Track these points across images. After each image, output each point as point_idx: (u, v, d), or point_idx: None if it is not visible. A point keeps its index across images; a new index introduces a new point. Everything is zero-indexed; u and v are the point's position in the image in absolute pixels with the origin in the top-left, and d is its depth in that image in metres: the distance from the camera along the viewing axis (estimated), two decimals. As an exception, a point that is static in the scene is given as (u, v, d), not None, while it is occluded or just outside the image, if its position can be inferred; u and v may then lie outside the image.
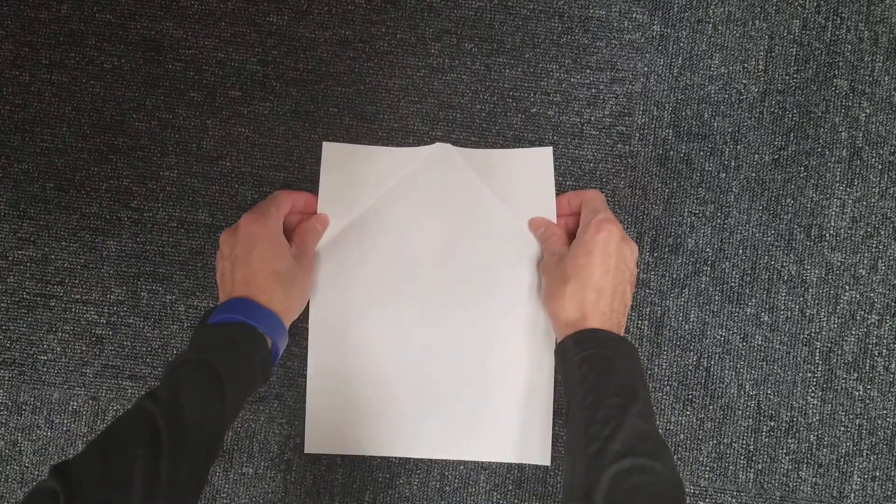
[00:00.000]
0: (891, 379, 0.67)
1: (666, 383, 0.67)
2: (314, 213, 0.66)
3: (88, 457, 0.46)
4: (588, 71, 0.68)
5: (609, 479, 0.49)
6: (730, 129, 0.68)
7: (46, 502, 0.43)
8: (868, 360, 0.67)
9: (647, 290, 0.67)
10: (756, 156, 0.68)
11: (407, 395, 0.66)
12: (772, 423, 0.67)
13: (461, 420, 0.66)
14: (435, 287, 0.66)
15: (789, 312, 0.67)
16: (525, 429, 0.66)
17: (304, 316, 0.67)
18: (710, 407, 0.67)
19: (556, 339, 0.60)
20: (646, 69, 0.68)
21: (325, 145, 0.67)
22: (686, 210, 0.68)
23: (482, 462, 0.66)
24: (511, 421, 0.66)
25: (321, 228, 0.66)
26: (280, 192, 0.64)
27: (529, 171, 0.67)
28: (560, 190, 0.67)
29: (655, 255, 0.67)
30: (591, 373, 0.55)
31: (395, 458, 0.67)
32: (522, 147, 0.68)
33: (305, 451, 0.66)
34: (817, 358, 0.67)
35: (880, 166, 0.68)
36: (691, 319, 0.67)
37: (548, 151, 0.67)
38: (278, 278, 0.58)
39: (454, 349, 0.66)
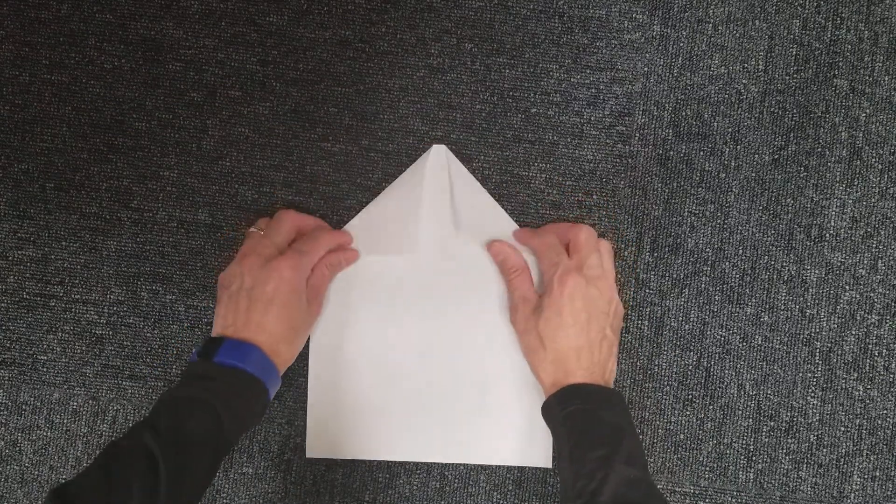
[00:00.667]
0: (891, 379, 0.67)
1: (666, 383, 0.67)
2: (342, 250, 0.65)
3: (89, 485, 0.46)
4: (588, 71, 0.68)
5: None
6: (730, 129, 0.68)
7: None
8: (868, 360, 0.67)
9: (647, 290, 0.67)
10: (756, 156, 0.68)
11: (407, 399, 0.66)
12: (772, 423, 0.67)
13: (461, 423, 0.66)
14: (434, 290, 0.66)
15: (789, 312, 0.67)
16: (526, 431, 0.66)
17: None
18: (710, 407, 0.67)
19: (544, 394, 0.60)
20: (646, 69, 0.68)
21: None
22: (686, 210, 0.68)
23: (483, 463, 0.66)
24: (511, 423, 0.66)
25: (346, 265, 0.65)
26: (320, 235, 0.62)
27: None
28: (560, 192, 0.67)
29: (655, 255, 0.67)
30: (574, 428, 0.55)
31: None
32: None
33: (307, 456, 0.66)
34: (817, 358, 0.67)
35: (880, 166, 0.68)
36: (691, 319, 0.67)
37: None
38: (293, 332, 0.58)
39: (453, 352, 0.66)
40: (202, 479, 0.51)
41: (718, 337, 0.67)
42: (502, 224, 0.66)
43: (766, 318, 0.67)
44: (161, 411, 0.52)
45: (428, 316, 0.66)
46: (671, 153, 0.68)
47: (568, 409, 0.56)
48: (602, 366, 0.59)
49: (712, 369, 0.67)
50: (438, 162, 0.66)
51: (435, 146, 0.67)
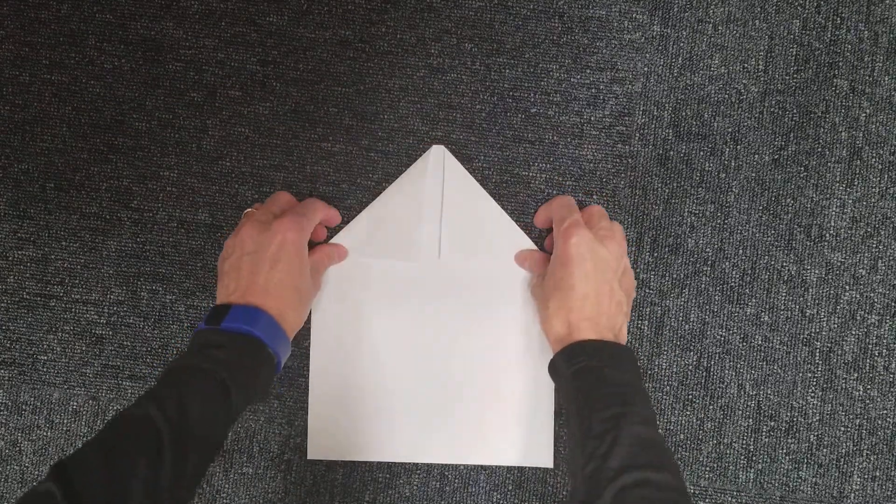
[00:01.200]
0: (891, 379, 0.67)
1: (666, 383, 0.67)
2: (331, 222, 0.66)
3: (90, 463, 0.45)
4: (588, 71, 0.68)
5: (610, 499, 0.47)
6: (730, 129, 0.68)
7: None
8: (868, 360, 0.67)
9: (647, 290, 0.67)
10: (756, 156, 0.68)
11: (408, 401, 0.66)
12: (772, 423, 0.67)
13: (462, 424, 0.66)
14: (434, 293, 0.66)
15: (789, 312, 0.67)
16: (526, 431, 0.66)
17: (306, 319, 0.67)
18: (710, 407, 0.67)
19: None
20: (646, 69, 0.68)
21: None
22: (686, 210, 0.68)
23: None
24: (512, 424, 0.66)
25: (338, 260, 0.66)
26: (315, 201, 0.63)
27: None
28: (560, 192, 0.67)
29: (655, 255, 0.67)
30: (582, 386, 0.53)
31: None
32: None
33: (308, 458, 0.66)
34: (817, 358, 0.67)
35: (880, 166, 0.68)
36: (691, 319, 0.67)
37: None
38: (298, 296, 0.57)
39: (454, 354, 0.66)
40: (207, 454, 0.50)
41: (718, 337, 0.67)
42: (502, 224, 0.66)
43: (766, 318, 0.67)
44: (167, 383, 0.51)
45: (428, 318, 0.66)
46: (671, 153, 0.68)
47: (575, 366, 0.54)
48: (611, 320, 0.57)
49: (712, 369, 0.67)
50: (438, 163, 0.66)
51: (434, 147, 0.67)
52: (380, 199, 0.67)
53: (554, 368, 0.57)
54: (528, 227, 0.67)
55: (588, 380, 0.53)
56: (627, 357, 0.56)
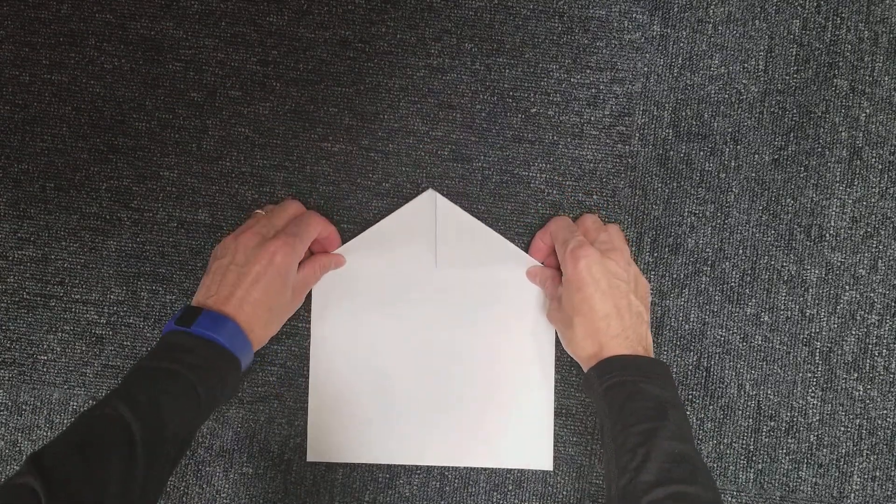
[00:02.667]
0: (891, 379, 0.67)
1: (666, 383, 0.67)
2: (330, 242, 0.65)
3: (69, 462, 0.45)
4: (588, 71, 0.68)
5: None
6: (730, 129, 0.68)
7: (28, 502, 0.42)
8: (868, 360, 0.67)
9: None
10: (756, 156, 0.68)
11: (407, 403, 0.66)
12: (772, 423, 0.67)
13: (462, 427, 0.66)
14: (435, 296, 0.66)
15: (789, 312, 0.67)
16: (526, 434, 0.66)
17: (306, 316, 0.67)
18: (710, 407, 0.67)
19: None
20: (646, 69, 0.68)
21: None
22: (686, 210, 0.68)
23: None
24: (512, 427, 0.66)
25: (334, 268, 0.66)
26: (314, 218, 0.62)
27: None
28: (560, 192, 0.67)
29: (655, 255, 0.67)
30: (615, 401, 0.54)
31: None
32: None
33: (308, 460, 0.66)
34: (817, 358, 0.67)
35: (880, 166, 0.68)
36: (691, 319, 0.67)
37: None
38: (270, 314, 0.58)
39: (454, 356, 0.66)
40: (177, 456, 0.51)
41: (718, 337, 0.67)
42: (500, 243, 0.66)
43: (766, 318, 0.67)
44: (138, 383, 0.51)
45: (428, 320, 0.66)
46: (671, 153, 0.68)
47: (607, 381, 0.54)
48: (636, 333, 0.57)
49: (712, 369, 0.67)
50: (429, 206, 0.66)
51: (428, 192, 0.66)
52: (372, 228, 0.66)
53: (587, 384, 0.57)
54: (527, 228, 0.67)
55: (621, 394, 0.54)
56: (661, 370, 0.56)
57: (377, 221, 0.67)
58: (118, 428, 0.48)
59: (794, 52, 0.68)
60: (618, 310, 0.57)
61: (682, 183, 0.68)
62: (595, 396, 0.56)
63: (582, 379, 0.58)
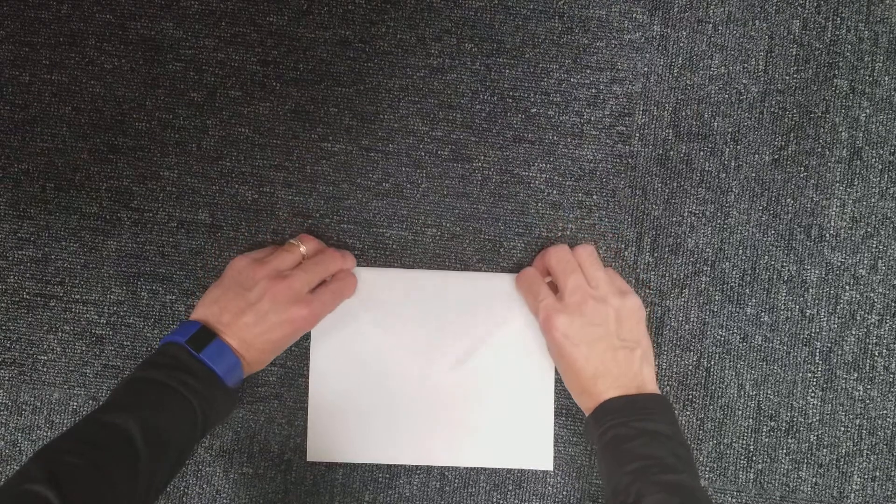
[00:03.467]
0: (891, 379, 0.67)
1: (666, 383, 0.67)
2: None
3: (80, 473, 0.46)
4: (588, 71, 0.68)
5: None
6: (730, 129, 0.68)
7: None
8: (868, 360, 0.67)
9: (647, 291, 0.67)
10: (756, 156, 0.68)
11: (407, 403, 0.66)
12: (772, 423, 0.67)
13: (462, 427, 0.66)
14: (435, 298, 0.66)
15: (789, 312, 0.67)
16: (526, 434, 0.66)
17: (304, 316, 0.67)
18: (710, 407, 0.67)
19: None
20: (646, 69, 0.68)
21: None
22: (686, 210, 0.68)
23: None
24: (512, 427, 0.66)
25: (348, 296, 0.64)
26: (349, 286, 0.63)
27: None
28: (560, 192, 0.67)
29: (655, 255, 0.67)
30: (610, 445, 0.54)
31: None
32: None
33: (308, 460, 0.66)
34: (817, 358, 0.67)
35: (880, 166, 0.68)
36: (691, 319, 0.67)
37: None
38: (273, 355, 0.60)
39: (454, 356, 0.66)
40: (174, 472, 0.52)
41: (718, 337, 0.67)
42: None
43: (767, 318, 0.67)
44: (143, 395, 0.52)
45: (429, 321, 0.66)
46: (671, 153, 0.68)
47: (604, 426, 0.55)
48: (630, 375, 0.57)
49: (712, 369, 0.67)
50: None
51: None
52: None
53: (587, 431, 0.59)
54: (527, 228, 0.67)
55: (616, 437, 0.54)
56: (656, 406, 0.56)
57: (377, 221, 0.67)
58: (124, 442, 0.49)
59: (794, 52, 0.68)
60: (604, 364, 0.58)
61: (682, 183, 0.68)
62: (594, 442, 0.57)
63: (583, 425, 0.59)
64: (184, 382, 0.53)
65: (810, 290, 0.67)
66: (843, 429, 0.67)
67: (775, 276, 0.67)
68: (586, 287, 0.59)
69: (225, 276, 0.60)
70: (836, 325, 0.67)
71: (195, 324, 0.56)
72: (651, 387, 0.58)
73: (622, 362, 0.58)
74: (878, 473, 0.67)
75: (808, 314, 0.67)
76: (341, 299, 0.63)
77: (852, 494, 0.67)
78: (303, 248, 0.62)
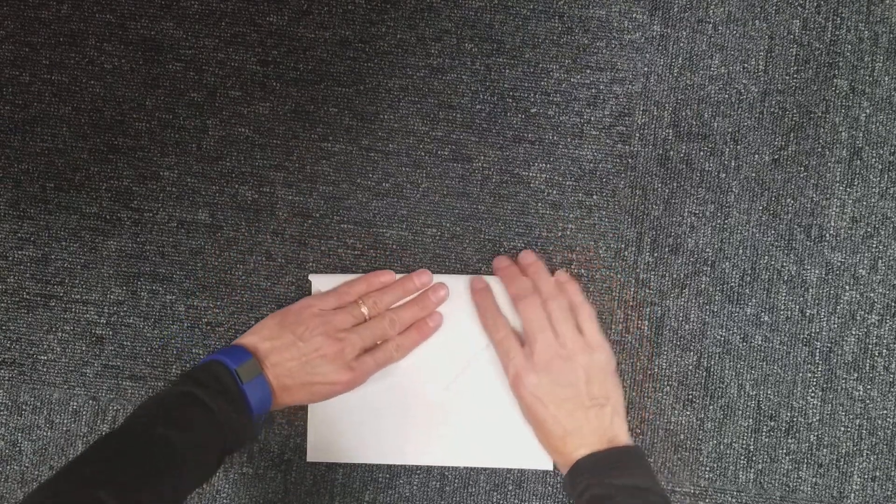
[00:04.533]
0: (891, 379, 0.67)
1: (666, 383, 0.67)
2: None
3: (135, 483, 0.48)
4: (588, 71, 0.68)
5: None
6: (730, 129, 0.68)
7: None
8: (868, 360, 0.67)
9: (647, 290, 0.67)
10: (756, 156, 0.68)
11: (408, 403, 0.66)
12: (772, 423, 0.67)
13: (462, 427, 0.66)
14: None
15: (789, 312, 0.67)
16: (526, 434, 0.66)
17: (304, 316, 0.67)
18: (710, 407, 0.67)
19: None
20: (646, 69, 0.68)
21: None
22: (686, 210, 0.68)
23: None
24: (512, 427, 0.66)
25: (393, 362, 0.64)
26: (404, 344, 0.63)
27: None
28: (560, 192, 0.67)
29: (655, 255, 0.67)
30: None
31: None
32: None
33: (308, 460, 0.66)
34: (817, 358, 0.67)
35: (880, 166, 0.68)
36: (691, 319, 0.67)
37: None
38: (303, 401, 0.61)
39: (454, 355, 0.66)
40: (193, 489, 0.54)
41: (718, 337, 0.67)
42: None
43: (767, 318, 0.67)
44: (187, 408, 0.53)
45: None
46: (671, 153, 0.68)
47: (579, 487, 0.55)
48: (600, 430, 0.58)
49: (712, 369, 0.67)
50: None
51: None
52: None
53: (565, 489, 0.60)
54: (527, 228, 0.67)
55: (594, 497, 0.55)
56: (630, 458, 0.56)
57: (377, 221, 0.67)
58: (170, 454, 0.50)
59: (794, 52, 0.68)
60: (574, 423, 0.58)
61: (682, 183, 0.68)
62: (573, 500, 0.57)
63: (562, 483, 0.60)
64: (222, 409, 0.53)
65: (810, 290, 0.67)
66: (843, 429, 0.67)
67: (775, 276, 0.67)
68: (555, 345, 0.59)
69: (290, 313, 0.61)
70: (836, 325, 0.67)
71: (247, 353, 0.57)
72: (623, 439, 0.58)
73: (593, 420, 0.58)
74: (878, 473, 0.67)
75: (808, 314, 0.67)
76: (385, 366, 0.63)
77: (852, 494, 0.67)
78: (364, 309, 0.62)
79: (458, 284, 0.66)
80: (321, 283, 0.66)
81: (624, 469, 0.55)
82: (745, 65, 0.68)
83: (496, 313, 0.63)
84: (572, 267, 0.67)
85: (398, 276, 0.66)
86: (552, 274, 0.64)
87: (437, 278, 0.66)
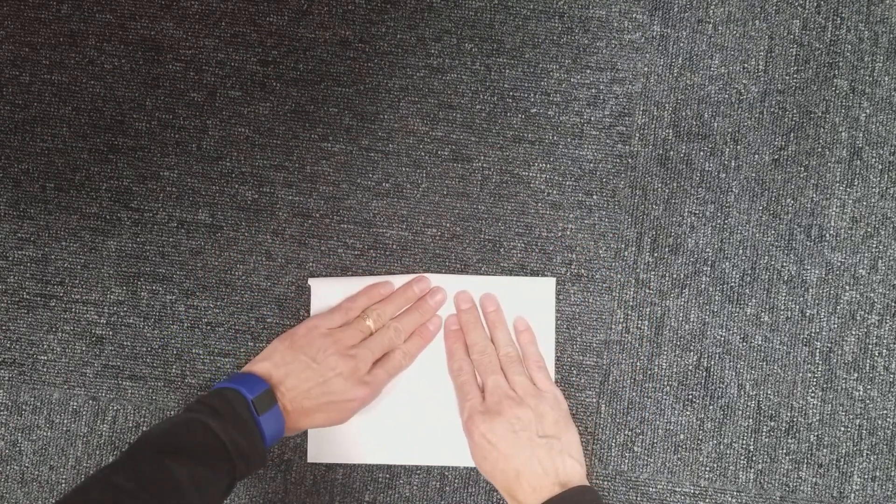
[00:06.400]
0: (891, 379, 0.67)
1: (666, 383, 0.67)
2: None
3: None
4: (588, 71, 0.68)
5: None
6: (730, 129, 0.68)
7: None
8: (868, 360, 0.67)
9: (647, 290, 0.67)
10: (756, 156, 0.68)
11: (408, 403, 0.66)
12: (772, 423, 0.67)
13: (462, 427, 0.66)
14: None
15: (789, 312, 0.67)
16: None
17: (306, 315, 0.67)
18: (710, 407, 0.67)
19: None
20: (646, 69, 0.68)
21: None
22: (686, 210, 0.68)
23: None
24: None
25: (402, 369, 0.65)
26: (410, 352, 0.64)
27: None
28: (560, 192, 0.67)
29: (655, 255, 0.67)
30: None
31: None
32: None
33: (308, 461, 0.66)
34: (817, 358, 0.67)
35: (880, 166, 0.68)
36: (691, 319, 0.67)
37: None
38: (320, 425, 0.60)
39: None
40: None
41: (718, 337, 0.67)
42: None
43: (767, 319, 0.67)
44: (197, 439, 0.52)
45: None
46: (671, 153, 0.68)
47: None
48: (552, 470, 0.58)
49: (712, 369, 0.67)
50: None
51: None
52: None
53: None
54: (527, 228, 0.67)
55: None
56: (582, 499, 0.56)
57: (377, 221, 0.67)
58: (178, 492, 0.50)
59: (794, 52, 0.68)
60: (525, 463, 0.58)
61: (682, 183, 0.68)
62: None
63: None
64: (235, 441, 0.53)
65: (810, 290, 0.67)
66: (843, 429, 0.67)
67: (775, 276, 0.67)
68: (505, 387, 0.61)
69: (298, 336, 0.60)
70: (836, 325, 0.67)
71: (263, 383, 0.57)
72: (576, 479, 0.58)
73: (544, 458, 0.58)
74: (878, 473, 0.67)
75: (808, 314, 0.67)
76: (395, 375, 0.64)
77: (852, 495, 0.67)
78: (369, 322, 0.63)
79: (457, 285, 0.66)
80: (320, 286, 0.66)
81: None
82: (745, 65, 0.68)
83: (463, 358, 0.65)
84: (572, 267, 0.67)
85: (397, 277, 0.66)
86: (512, 319, 0.66)
87: (437, 278, 0.66)
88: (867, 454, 0.67)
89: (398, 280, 0.66)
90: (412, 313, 0.65)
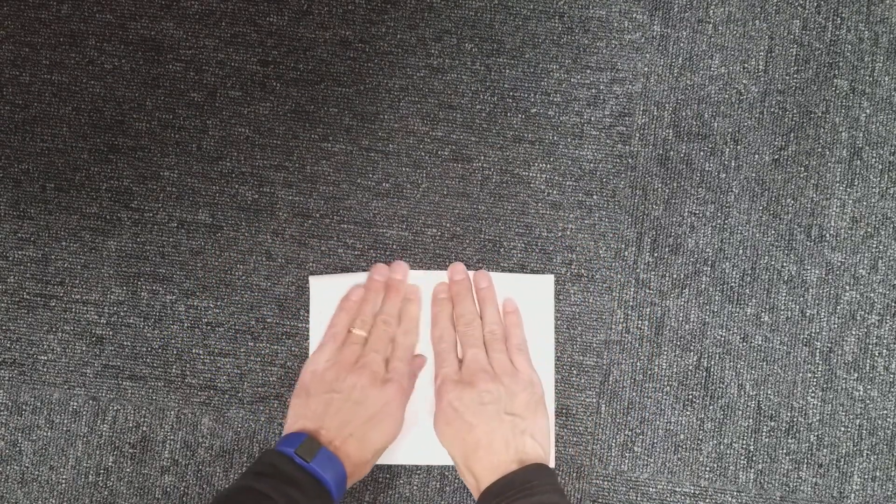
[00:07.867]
0: (891, 379, 0.67)
1: (666, 383, 0.67)
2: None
3: None
4: (588, 71, 0.68)
5: None
6: (730, 129, 0.68)
7: None
8: (868, 360, 0.67)
9: (648, 290, 0.67)
10: (756, 156, 0.68)
11: (408, 403, 0.66)
12: (772, 424, 0.67)
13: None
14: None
15: (789, 312, 0.67)
16: None
17: (306, 316, 0.67)
18: (710, 407, 0.67)
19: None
20: (646, 69, 0.68)
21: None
22: (686, 210, 0.68)
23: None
24: None
25: (415, 341, 0.65)
26: (414, 355, 0.64)
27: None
28: (560, 192, 0.67)
29: (655, 255, 0.68)
30: None
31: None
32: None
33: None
34: (817, 358, 0.67)
35: (880, 166, 0.68)
36: (691, 319, 0.67)
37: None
38: (375, 458, 0.59)
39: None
40: None
41: (718, 337, 0.67)
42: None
43: (767, 319, 0.67)
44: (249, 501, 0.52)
45: (428, 321, 0.66)
46: (671, 153, 0.68)
47: None
48: (513, 445, 0.58)
49: (712, 369, 0.67)
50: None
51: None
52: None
53: None
54: (527, 228, 0.67)
55: None
56: (536, 476, 0.56)
57: (377, 221, 0.67)
58: None
59: (794, 52, 0.68)
60: (487, 431, 0.58)
61: (682, 183, 0.68)
62: None
63: None
64: (288, 496, 0.52)
65: (810, 290, 0.67)
66: (843, 429, 0.67)
67: (775, 276, 0.67)
68: (484, 362, 0.61)
69: (305, 384, 0.60)
70: (836, 325, 0.67)
71: (300, 434, 0.56)
72: (532, 456, 0.58)
73: (507, 430, 0.58)
74: (878, 473, 0.67)
75: (808, 314, 0.67)
76: (411, 356, 0.64)
77: (852, 495, 0.67)
78: (359, 332, 0.63)
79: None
80: (320, 284, 0.66)
81: (533, 488, 0.55)
82: (745, 65, 0.68)
83: (446, 327, 0.65)
84: (572, 267, 0.67)
85: (363, 274, 0.66)
86: (501, 298, 0.66)
87: (435, 275, 0.66)
88: (867, 454, 0.67)
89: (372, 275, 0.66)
90: (389, 299, 0.65)
